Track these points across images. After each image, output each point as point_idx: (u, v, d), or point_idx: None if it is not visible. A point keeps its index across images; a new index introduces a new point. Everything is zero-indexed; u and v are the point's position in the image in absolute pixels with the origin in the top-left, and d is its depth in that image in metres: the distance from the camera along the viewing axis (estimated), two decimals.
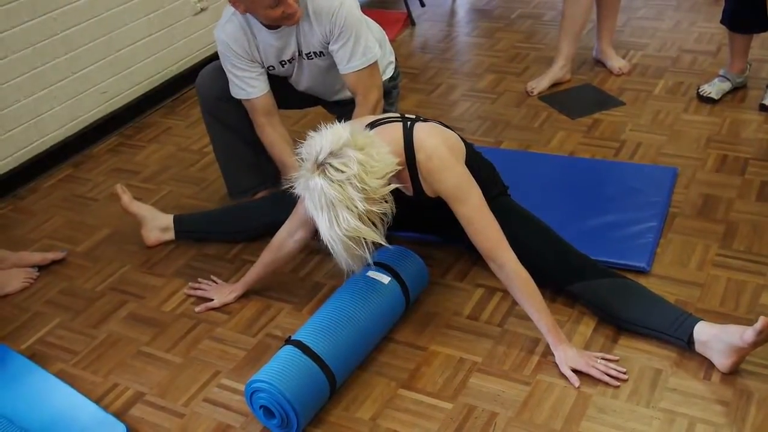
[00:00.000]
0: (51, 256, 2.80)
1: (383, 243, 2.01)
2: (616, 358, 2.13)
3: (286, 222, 2.37)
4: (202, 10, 4.10)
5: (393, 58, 2.89)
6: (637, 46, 4.01)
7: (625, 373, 2.08)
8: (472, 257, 2.53)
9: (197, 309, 2.50)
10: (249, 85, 2.63)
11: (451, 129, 2.32)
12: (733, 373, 2.05)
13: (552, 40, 4.11)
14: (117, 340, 2.43)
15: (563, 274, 2.30)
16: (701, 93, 3.42)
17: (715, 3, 4.28)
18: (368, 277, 2.25)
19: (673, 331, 2.12)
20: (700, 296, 2.34)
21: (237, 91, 2.66)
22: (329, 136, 1.97)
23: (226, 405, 2.14)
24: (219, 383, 2.22)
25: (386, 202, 1.99)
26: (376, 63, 2.61)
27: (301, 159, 1.99)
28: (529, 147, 3.22)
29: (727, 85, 3.41)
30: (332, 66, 2.65)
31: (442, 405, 2.07)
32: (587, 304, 2.29)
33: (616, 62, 3.76)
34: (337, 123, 2.04)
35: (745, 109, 3.32)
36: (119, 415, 2.13)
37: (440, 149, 2.13)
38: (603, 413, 1.99)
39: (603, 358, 2.12)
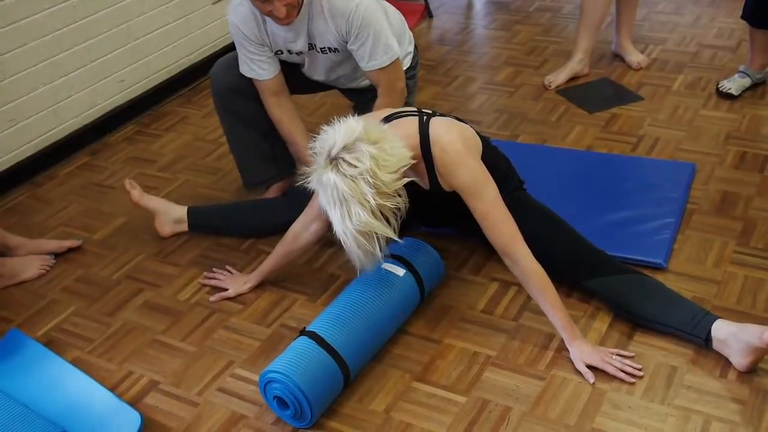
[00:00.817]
0: (67, 243, 2.81)
1: (395, 238, 2.00)
2: (632, 354, 2.12)
3: (302, 214, 2.37)
4: (220, 0, 4.11)
5: (412, 48, 2.87)
6: (656, 40, 3.98)
7: (640, 370, 2.07)
8: (487, 251, 2.52)
9: (212, 298, 2.50)
10: (259, 67, 2.63)
11: (467, 124, 2.31)
12: (750, 372, 2.04)
13: (570, 33, 4.09)
14: (132, 329, 2.44)
15: (579, 270, 2.29)
16: (720, 89, 3.39)
17: None
18: (383, 269, 2.25)
19: (690, 329, 2.11)
20: (717, 293, 2.33)
21: (246, 70, 2.66)
22: (342, 130, 1.96)
23: (240, 395, 2.15)
24: (233, 373, 2.22)
25: (399, 196, 1.99)
26: (398, 59, 2.59)
27: (315, 153, 1.98)
28: (546, 141, 3.21)
29: (747, 81, 3.38)
30: (347, 59, 2.64)
31: (455, 398, 2.07)
32: (603, 299, 2.28)
33: (635, 56, 3.74)
34: (351, 116, 2.03)
35: (765, 106, 3.29)
36: (134, 403, 2.14)
37: (456, 143, 2.13)
38: (618, 409, 1.99)
39: (618, 355, 2.11)
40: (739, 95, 3.36)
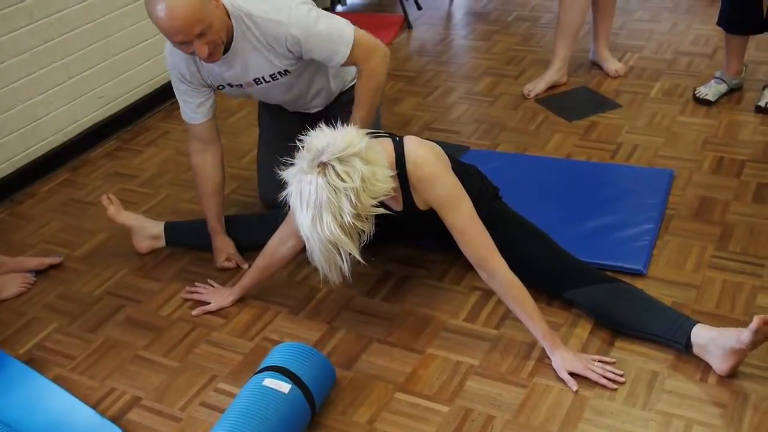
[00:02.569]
0: (48, 260, 2.80)
1: (358, 258, 1.97)
2: (613, 360, 2.13)
3: (279, 229, 2.37)
4: None
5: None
6: (633, 48, 4.01)
7: (622, 376, 2.08)
8: (467, 261, 2.53)
9: (194, 312, 2.50)
10: (191, 110, 2.58)
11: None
12: (731, 376, 2.05)
13: (548, 42, 4.12)
14: (114, 345, 2.43)
15: (558, 281, 2.31)
16: (697, 95, 3.43)
17: (712, 5, 4.29)
18: (266, 386, 1.95)
19: (670, 336, 2.12)
20: (696, 298, 2.34)
21: (182, 113, 2.62)
22: (342, 137, 1.91)
23: (224, 409, 2.13)
24: (216, 387, 2.22)
25: (367, 220, 1.96)
26: (355, 36, 2.44)
27: (303, 148, 1.93)
28: (525, 150, 3.22)
29: (723, 87, 3.41)
30: (299, 77, 2.58)
31: (438, 408, 2.07)
32: (583, 309, 2.30)
33: (612, 64, 3.77)
34: (352, 127, 2.00)
35: (742, 111, 3.33)
36: (116, 420, 2.13)
37: (429, 157, 2.13)
38: (600, 415, 2.00)
39: (600, 361, 2.12)
40: (716, 101, 3.39)
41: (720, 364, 2.04)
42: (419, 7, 4.86)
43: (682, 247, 2.56)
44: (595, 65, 3.85)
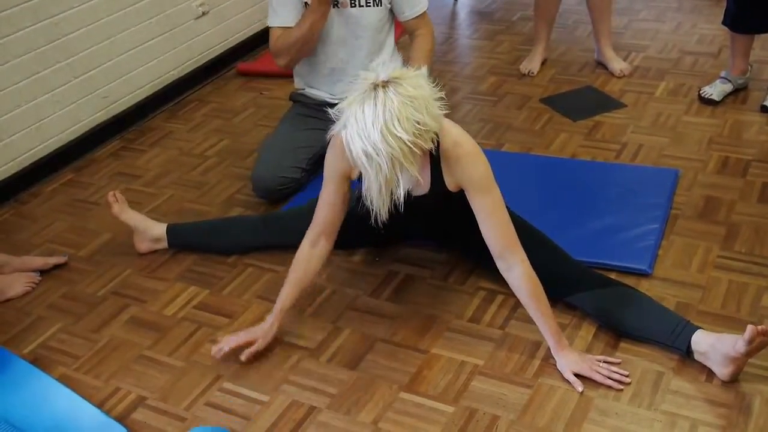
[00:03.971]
0: (53, 260, 2.80)
1: (418, 177, 1.92)
2: (618, 360, 2.13)
3: (307, 233, 2.27)
4: (204, 14, 4.11)
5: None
6: (638, 48, 4.01)
7: (627, 376, 2.08)
8: (472, 261, 2.53)
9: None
10: (291, 12, 2.86)
11: None
12: (734, 380, 2.05)
13: (553, 42, 4.11)
14: (119, 345, 2.43)
15: (561, 285, 2.30)
16: (702, 95, 3.42)
17: (717, 4, 4.28)
18: None
19: (671, 342, 2.12)
20: (701, 298, 2.34)
21: (278, 18, 2.88)
22: (391, 66, 1.92)
23: (228, 409, 2.14)
24: (221, 387, 2.22)
25: (416, 155, 1.89)
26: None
27: (353, 87, 1.88)
28: (530, 149, 3.22)
29: (728, 87, 3.41)
30: (379, 26, 2.90)
31: (443, 408, 2.07)
32: (586, 313, 2.29)
33: (617, 64, 3.76)
34: None
35: (747, 111, 3.32)
36: (121, 420, 2.13)
37: (468, 138, 2.11)
38: (605, 416, 1.99)
39: (605, 362, 2.12)
40: (721, 101, 3.39)
41: (721, 369, 2.03)
42: None
43: (688, 247, 2.55)
44: (601, 65, 3.84)
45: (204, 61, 4.16)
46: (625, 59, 3.85)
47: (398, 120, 1.81)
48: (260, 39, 4.44)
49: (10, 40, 3.19)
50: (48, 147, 3.45)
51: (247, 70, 4.24)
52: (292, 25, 2.85)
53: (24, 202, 3.28)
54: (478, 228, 2.13)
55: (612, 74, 3.75)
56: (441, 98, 1.94)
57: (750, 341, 1.93)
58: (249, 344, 2.25)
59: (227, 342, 2.25)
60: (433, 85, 1.95)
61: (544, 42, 3.89)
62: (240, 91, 4.06)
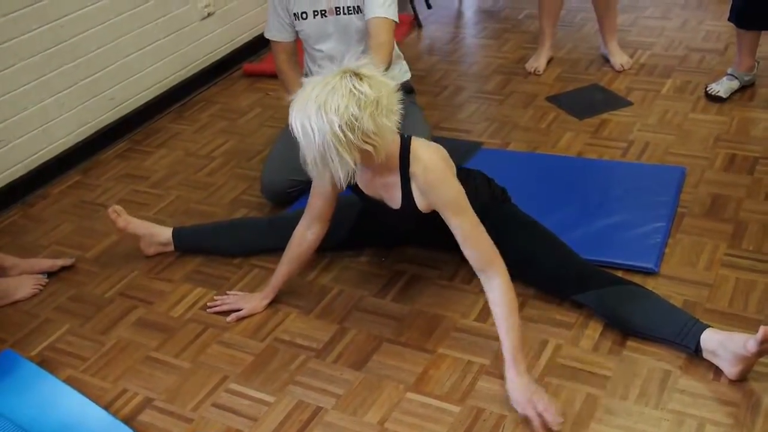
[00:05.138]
0: (60, 262, 2.81)
1: (354, 169, 1.97)
2: (556, 406, 1.98)
3: (302, 218, 2.40)
4: (209, 14, 4.11)
5: (408, 77, 3.13)
6: (644, 45, 4.00)
7: (561, 422, 1.96)
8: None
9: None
10: (279, 32, 2.96)
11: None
12: (743, 380, 2.04)
13: (560, 40, 4.10)
14: (126, 346, 2.43)
15: (568, 284, 2.30)
16: (709, 92, 3.41)
17: (723, 0, 4.26)
18: None
19: (680, 340, 2.11)
20: (708, 296, 2.33)
21: (271, 35, 2.98)
22: (373, 67, 1.98)
23: (235, 410, 2.14)
24: (227, 388, 2.22)
25: (353, 150, 1.93)
26: (394, 25, 2.82)
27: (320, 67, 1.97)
28: (536, 148, 3.21)
29: (735, 84, 3.39)
30: (365, 35, 2.85)
31: (450, 408, 2.07)
32: (593, 312, 2.29)
33: (618, 58, 3.77)
34: None
35: (754, 108, 3.31)
36: (128, 421, 2.14)
37: (439, 162, 2.12)
38: (611, 415, 1.99)
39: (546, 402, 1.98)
40: (728, 98, 3.37)
41: (730, 368, 2.02)
42: (429, 6, 4.85)
43: (695, 245, 2.54)
44: (606, 61, 3.84)
45: (210, 62, 4.17)
46: (631, 56, 3.83)
47: (336, 105, 1.88)
48: (266, 40, 4.39)
49: (17, 43, 3.20)
50: (55, 149, 3.46)
51: (253, 70, 4.25)
52: (279, 40, 2.98)
53: (31, 204, 3.29)
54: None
55: (613, 68, 3.75)
56: (398, 115, 1.99)
57: (762, 341, 1.92)
58: (239, 309, 2.48)
59: (223, 303, 2.52)
60: (398, 102, 2.00)
61: (549, 40, 3.89)
62: (246, 92, 4.07)
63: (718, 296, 2.33)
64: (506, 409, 2.04)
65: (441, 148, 2.22)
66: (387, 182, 2.18)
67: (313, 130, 1.90)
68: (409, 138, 2.16)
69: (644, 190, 2.79)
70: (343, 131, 1.89)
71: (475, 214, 2.11)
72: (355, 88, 1.90)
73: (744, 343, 1.96)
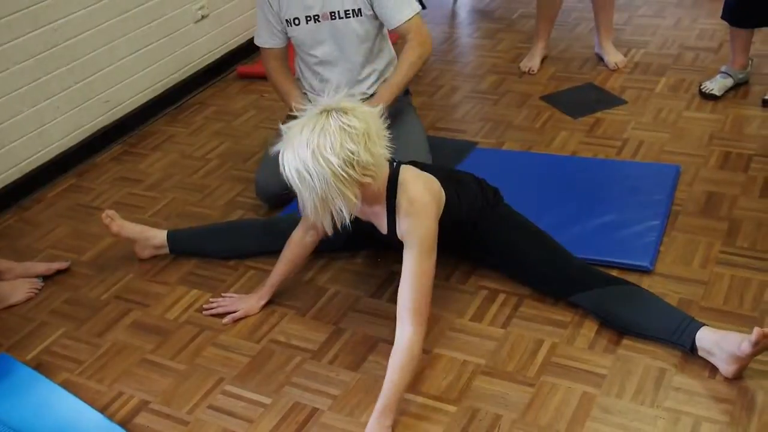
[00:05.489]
0: (55, 265, 2.80)
1: (342, 212, 1.95)
2: None
3: (299, 224, 2.40)
4: (204, 17, 4.11)
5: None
6: (638, 44, 4.00)
7: None
8: (472, 260, 2.53)
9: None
10: (271, 38, 2.92)
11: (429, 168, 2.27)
12: (738, 378, 2.04)
13: (553, 40, 4.10)
14: (121, 349, 2.43)
15: (562, 286, 2.31)
16: (703, 90, 3.41)
17: None
18: None
19: (675, 339, 2.12)
20: (703, 294, 2.33)
21: (261, 42, 2.95)
22: (346, 96, 1.97)
23: (231, 412, 2.14)
24: (223, 390, 2.22)
25: (352, 185, 1.92)
26: (421, 13, 2.85)
27: (309, 100, 1.96)
28: (531, 147, 3.22)
29: (729, 82, 3.40)
30: (365, 36, 2.83)
31: (446, 408, 2.07)
32: (589, 312, 2.29)
33: (612, 57, 3.78)
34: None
35: (748, 105, 3.31)
36: (124, 424, 2.13)
37: (424, 196, 2.09)
38: (607, 413, 1.99)
39: None
40: (722, 96, 3.38)
41: (725, 367, 2.03)
42: (423, 6, 4.82)
43: (689, 243, 2.55)
44: (600, 58, 3.84)
45: (204, 65, 4.17)
46: (625, 55, 3.84)
47: (331, 144, 1.86)
48: None
49: (11, 47, 3.20)
50: (50, 152, 3.46)
51: (247, 72, 4.25)
52: (270, 47, 2.95)
53: (26, 207, 3.29)
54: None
55: (607, 67, 3.75)
56: (388, 138, 2.00)
57: (756, 343, 1.93)
58: (235, 311, 2.48)
59: (218, 305, 2.51)
60: (386, 127, 2.00)
61: (544, 40, 3.89)
62: (240, 94, 4.07)
63: (713, 294, 2.33)
64: (502, 408, 2.04)
65: (432, 180, 2.19)
66: (375, 210, 2.16)
67: (311, 175, 1.88)
68: (399, 166, 2.14)
69: (639, 188, 2.79)
70: (343, 170, 1.88)
71: (432, 266, 2.06)
72: (344, 123, 1.88)
73: (738, 343, 1.97)
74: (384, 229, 2.19)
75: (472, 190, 2.36)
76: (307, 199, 1.94)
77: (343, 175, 1.89)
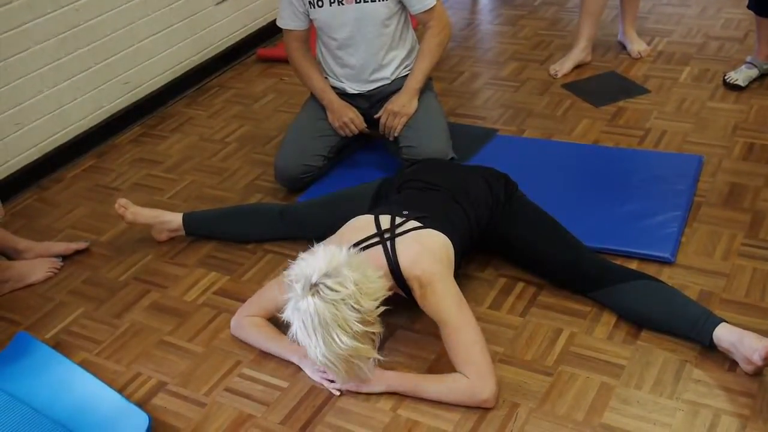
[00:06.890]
0: (74, 246, 2.82)
1: (378, 358, 1.98)
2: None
3: (246, 306, 2.32)
4: (224, 0, 4.11)
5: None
6: (662, 32, 3.96)
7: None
8: (491, 249, 2.52)
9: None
10: (293, 21, 2.94)
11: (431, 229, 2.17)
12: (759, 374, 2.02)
13: (576, 27, 4.07)
14: (140, 330, 2.44)
15: (581, 282, 2.29)
16: (728, 80, 3.37)
17: None
18: None
19: (694, 335, 2.10)
20: (725, 287, 2.31)
21: (284, 23, 2.97)
22: (323, 256, 1.89)
23: (248, 394, 2.15)
24: (240, 373, 2.22)
25: (375, 323, 1.91)
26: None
27: (291, 282, 1.89)
28: (552, 135, 3.19)
29: (754, 72, 3.36)
30: (389, 20, 2.84)
31: None
32: (607, 307, 2.27)
33: (636, 45, 3.73)
34: (330, 245, 1.97)
35: None
36: (142, 405, 2.14)
37: (432, 267, 2.04)
38: (626, 404, 1.98)
39: None
40: (747, 86, 3.34)
41: (744, 365, 2.01)
42: None
43: (711, 235, 2.52)
44: (623, 47, 3.80)
45: (224, 47, 4.16)
46: (648, 44, 3.80)
47: (337, 333, 1.84)
48: None
49: (32, 27, 3.20)
50: (69, 133, 3.47)
51: (267, 55, 4.24)
52: (292, 28, 2.97)
53: (46, 188, 3.30)
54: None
55: (630, 55, 3.71)
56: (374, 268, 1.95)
57: (766, 357, 1.93)
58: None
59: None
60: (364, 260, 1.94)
61: (585, 39, 3.66)
62: (260, 77, 4.06)
63: (734, 286, 2.31)
64: (520, 397, 2.03)
65: (431, 238, 2.12)
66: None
67: (338, 356, 1.87)
68: (393, 245, 2.08)
69: (661, 178, 2.76)
70: (361, 330, 1.86)
71: (466, 313, 2.03)
72: (337, 296, 1.83)
73: (753, 350, 1.95)
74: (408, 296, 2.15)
75: (481, 198, 2.33)
76: (341, 375, 1.97)
77: (364, 331, 1.88)
